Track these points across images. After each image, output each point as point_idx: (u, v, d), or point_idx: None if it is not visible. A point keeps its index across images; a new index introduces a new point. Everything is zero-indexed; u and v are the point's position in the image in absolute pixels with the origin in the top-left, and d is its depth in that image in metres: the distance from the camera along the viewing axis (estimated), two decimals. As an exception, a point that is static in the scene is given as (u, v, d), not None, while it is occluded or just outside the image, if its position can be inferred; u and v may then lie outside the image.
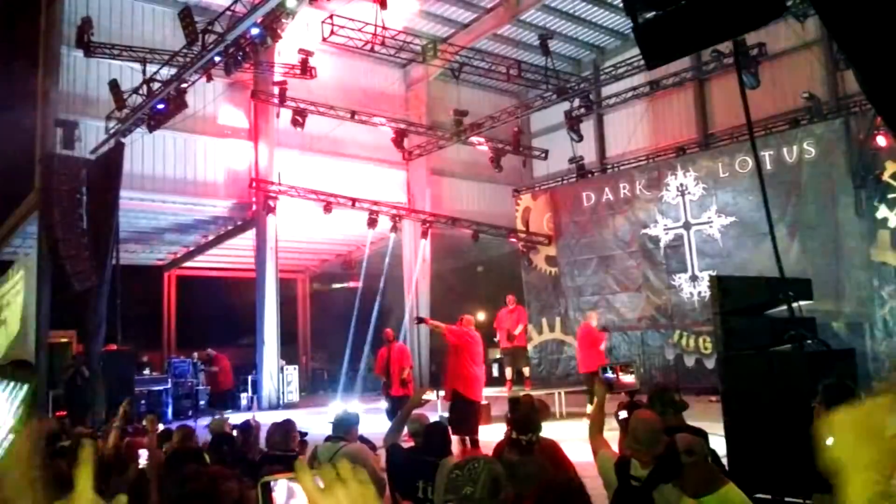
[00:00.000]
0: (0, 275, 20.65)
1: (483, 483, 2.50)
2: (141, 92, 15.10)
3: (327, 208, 18.25)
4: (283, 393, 18.67)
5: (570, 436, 7.80)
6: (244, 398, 18.72)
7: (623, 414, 4.68)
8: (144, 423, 6.10)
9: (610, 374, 5.08)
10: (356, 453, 4.80)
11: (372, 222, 18.80)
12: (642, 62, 14.01)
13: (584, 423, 8.16)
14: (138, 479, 3.92)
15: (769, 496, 4.09)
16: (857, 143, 14.10)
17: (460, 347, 10.36)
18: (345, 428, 5.33)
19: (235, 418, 9.26)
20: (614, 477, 3.83)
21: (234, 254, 22.93)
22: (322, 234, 21.75)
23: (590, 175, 20.10)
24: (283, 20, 12.40)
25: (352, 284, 25.12)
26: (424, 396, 5.30)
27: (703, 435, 3.41)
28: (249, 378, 19.03)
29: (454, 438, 6.41)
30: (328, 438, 5.38)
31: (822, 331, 10.05)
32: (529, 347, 18.58)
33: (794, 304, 4.69)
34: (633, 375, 5.09)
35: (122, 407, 5.98)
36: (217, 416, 9.19)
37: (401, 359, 12.78)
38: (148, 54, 15.96)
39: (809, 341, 4.71)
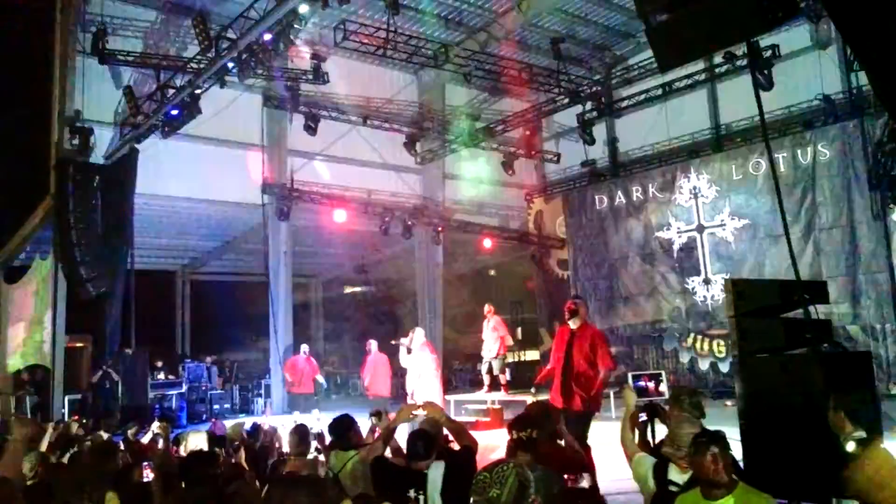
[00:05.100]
0: (14, 280, 20.80)
1: (510, 487, 2.50)
2: (155, 98, 15.19)
3: (340, 213, 18.30)
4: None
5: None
6: (259, 402, 18.78)
7: (642, 417, 4.68)
8: (157, 430, 6.15)
9: (642, 384, 5.10)
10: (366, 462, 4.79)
11: (385, 227, 18.83)
12: (655, 65, 13.96)
13: (599, 427, 8.12)
14: (142, 492, 3.90)
15: (786, 500, 4.05)
16: (872, 145, 14.01)
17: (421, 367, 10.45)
18: (345, 434, 5.34)
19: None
20: (651, 481, 3.81)
21: (247, 258, 23.02)
22: (335, 238, 21.81)
23: (602, 178, 20.07)
24: (296, 26, 12.43)
25: (365, 289, 25.21)
26: (414, 412, 5.27)
27: (722, 438, 3.40)
28: (263, 382, 19.08)
29: None
30: (333, 446, 5.37)
31: (838, 334, 10.00)
32: (542, 350, 19.01)
33: (810, 307, 4.67)
34: (664, 384, 5.11)
35: (159, 428, 5.99)
36: (234, 421, 9.24)
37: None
38: (162, 61, 16.06)
39: (825, 344, 4.68)
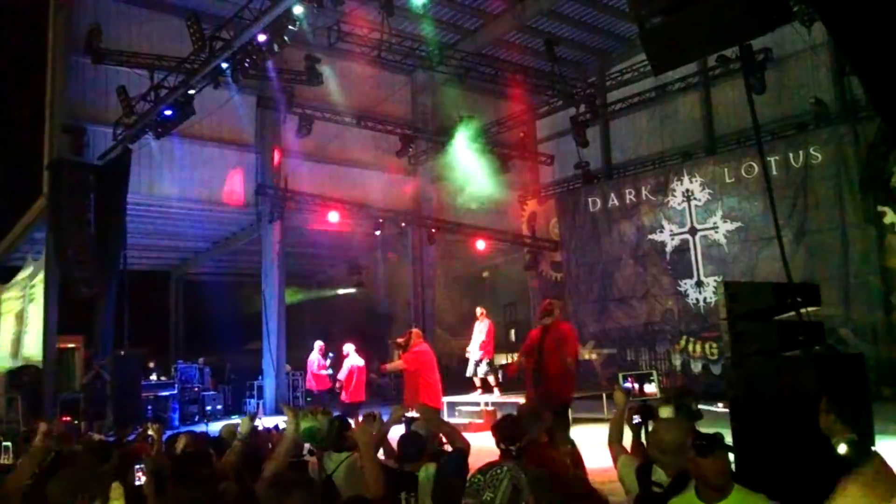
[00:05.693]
0: (7, 280, 20.75)
1: (504, 490, 2.50)
2: (149, 98, 15.16)
3: (333, 214, 18.29)
4: (290, 398, 18.67)
5: (579, 441, 7.74)
6: (251, 403, 18.75)
7: (636, 419, 4.69)
8: (150, 431, 6.11)
9: (628, 385, 5.07)
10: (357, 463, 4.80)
11: (378, 228, 18.83)
12: (648, 68, 14.00)
13: (594, 429, 8.15)
14: (135, 495, 3.90)
15: (778, 503, 4.07)
16: (864, 148, 14.07)
17: (419, 369, 10.33)
18: (339, 435, 5.34)
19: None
20: (635, 482, 3.82)
21: (240, 259, 22.98)
22: (328, 240, 21.80)
23: (595, 180, 20.10)
24: (290, 27, 12.42)
25: (358, 290, 25.16)
26: (408, 414, 5.28)
27: (721, 440, 3.42)
28: (255, 383, 19.05)
29: None
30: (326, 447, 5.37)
31: (830, 336, 10.04)
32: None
33: (802, 310, 4.69)
34: (654, 385, 5.07)
35: (152, 429, 5.94)
36: (227, 422, 9.19)
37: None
38: (156, 61, 16.03)
39: (818, 347, 4.70)
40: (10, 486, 3.82)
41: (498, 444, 4.28)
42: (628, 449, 4.45)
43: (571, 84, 19.27)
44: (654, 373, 5.43)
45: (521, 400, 10.47)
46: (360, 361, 13.51)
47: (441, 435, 5.02)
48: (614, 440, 4.34)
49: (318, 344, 15.69)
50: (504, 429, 4.33)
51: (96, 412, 14.47)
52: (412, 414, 5.21)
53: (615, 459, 4.19)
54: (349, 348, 13.61)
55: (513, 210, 21.75)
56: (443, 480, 4.14)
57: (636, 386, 5.09)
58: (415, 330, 10.92)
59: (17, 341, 18.41)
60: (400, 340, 10.86)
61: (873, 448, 3.80)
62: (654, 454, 3.82)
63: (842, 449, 3.59)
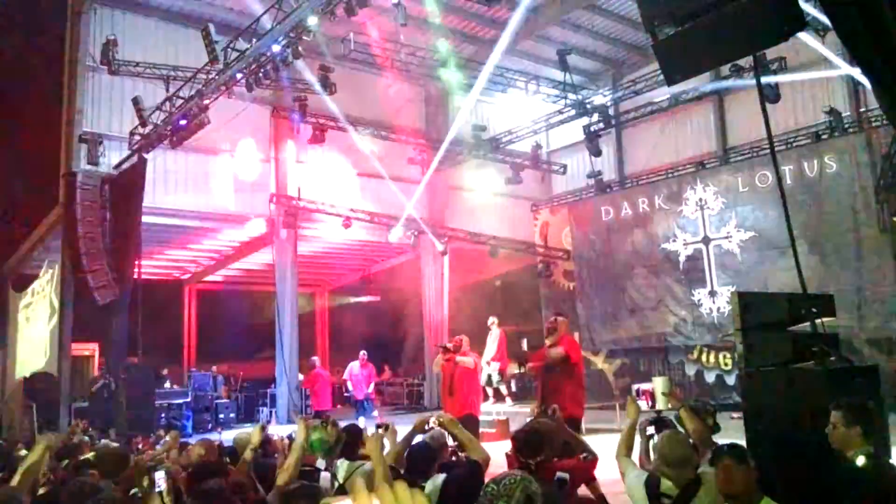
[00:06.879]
0: (24, 288, 20.90)
1: (517, 499, 2.51)
2: (163, 109, 15.28)
3: (347, 223, 18.35)
4: (302, 407, 18.69)
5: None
6: (264, 412, 18.80)
7: (650, 430, 4.68)
8: (167, 438, 6.15)
9: (642, 402, 5.06)
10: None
11: (391, 237, 18.88)
12: (661, 77, 13.99)
13: (606, 439, 8.10)
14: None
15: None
16: (879, 158, 13.99)
17: (470, 377, 10.10)
18: (353, 443, 5.34)
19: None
20: (643, 495, 3.82)
21: (253, 268, 23.06)
22: (341, 249, 21.86)
23: (608, 190, 20.08)
24: (304, 37, 12.50)
25: (370, 299, 25.20)
26: (429, 424, 5.26)
27: (741, 449, 3.42)
28: (268, 392, 19.10)
29: None
30: (340, 455, 5.37)
31: (843, 347, 9.96)
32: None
33: (817, 321, 4.67)
34: (659, 402, 5.06)
35: (169, 437, 5.98)
36: (241, 431, 9.23)
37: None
38: (171, 72, 16.17)
39: (832, 358, 4.67)
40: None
41: (516, 455, 4.23)
42: (637, 461, 4.44)
43: (584, 93, 19.24)
44: (660, 383, 5.41)
45: (531, 408, 10.34)
46: (325, 372, 14.75)
47: (458, 444, 5.00)
48: (622, 453, 4.33)
49: (363, 354, 16.61)
50: (526, 441, 4.22)
51: (105, 420, 14.53)
52: (432, 424, 5.17)
53: (623, 473, 4.19)
54: (316, 360, 14.98)
55: (525, 219, 21.74)
56: (450, 492, 4.11)
57: (648, 405, 5.09)
58: (465, 337, 10.60)
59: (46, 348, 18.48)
60: (449, 345, 10.59)
61: (890, 460, 3.78)
62: (660, 467, 3.82)
63: (860, 461, 3.57)
